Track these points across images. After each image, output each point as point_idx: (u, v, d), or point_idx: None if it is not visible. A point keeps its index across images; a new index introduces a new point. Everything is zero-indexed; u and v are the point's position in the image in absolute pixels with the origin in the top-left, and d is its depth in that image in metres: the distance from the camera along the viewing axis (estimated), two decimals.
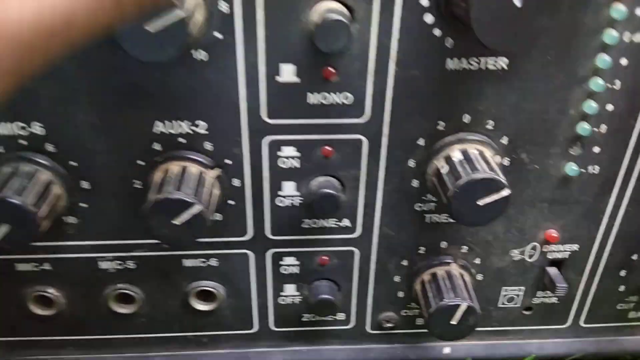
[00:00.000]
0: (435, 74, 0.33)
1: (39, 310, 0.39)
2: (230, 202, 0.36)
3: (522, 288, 0.42)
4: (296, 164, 0.35)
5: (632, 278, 0.43)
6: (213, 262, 0.39)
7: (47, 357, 0.42)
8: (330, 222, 0.38)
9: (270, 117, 0.33)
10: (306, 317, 0.42)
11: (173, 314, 0.41)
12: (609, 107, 0.34)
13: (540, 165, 0.36)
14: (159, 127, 0.33)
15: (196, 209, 0.31)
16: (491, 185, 0.32)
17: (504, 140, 0.35)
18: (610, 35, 0.32)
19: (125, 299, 0.39)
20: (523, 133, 0.35)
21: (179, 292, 0.40)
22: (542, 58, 0.33)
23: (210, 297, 0.40)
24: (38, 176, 0.32)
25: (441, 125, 0.34)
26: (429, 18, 0.31)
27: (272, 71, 0.32)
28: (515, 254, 0.40)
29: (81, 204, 0.35)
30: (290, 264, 0.39)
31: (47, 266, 0.37)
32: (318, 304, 0.40)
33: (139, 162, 0.34)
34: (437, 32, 0.31)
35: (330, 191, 0.35)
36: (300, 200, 0.36)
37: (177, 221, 0.31)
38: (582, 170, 0.37)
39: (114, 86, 0.32)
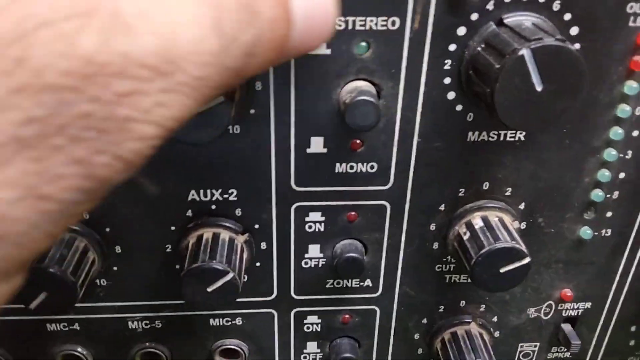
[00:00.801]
0: (457, 145, 0.34)
1: None
2: (257, 263, 0.37)
3: (537, 344, 0.43)
4: (322, 228, 0.36)
5: None
6: (238, 321, 0.39)
7: None
8: (353, 282, 0.39)
9: (298, 185, 0.35)
10: None
11: None
12: (622, 175, 0.36)
13: (555, 228, 0.38)
14: (193, 195, 0.34)
15: (229, 276, 0.32)
16: (513, 254, 0.33)
17: (522, 206, 0.37)
18: (623, 110, 0.34)
19: (152, 357, 0.40)
20: (539, 199, 0.37)
21: (204, 350, 0.40)
22: (559, 131, 0.34)
23: (235, 354, 0.40)
24: (76, 244, 0.33)
25: (462, 192, 0.36)
26: (451, 95, 0.33)
27: (302, 143, 0.33)
28: (532, 312, 0.41)
29: (113, 267, 0.36)
30: (313, 322, 0.40)
31: (76, 326, 0.38)
32: None
33: (171, 227, 0.35)
34: (458, 107, 0.33)
35: (355, 255, 0.36)
36: (325, 261, 0.38)
37: (211, 288, 0.32)
38: (596, 233, 0.38)
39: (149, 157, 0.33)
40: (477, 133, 0.34)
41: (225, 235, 0.34)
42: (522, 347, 0.43)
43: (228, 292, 0.32)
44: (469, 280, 0.39)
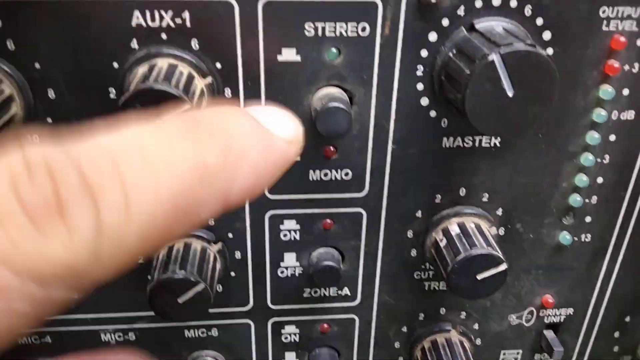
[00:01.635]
0: (432, 152, 0.34)
1: None
2: (232, 273, 0.37)
3: (520, 351, 0.43)
4: (297, 236, 0.36)
5: (625, 339, 0.43)
6: (214, 332, 0.39)
7: None
8: (331, 291, 0.38)
9: (272, 192, 0.34)
10: None
11: None
12: (599, 180, 0.36)
13: (534, 234, 0.37)
14: None
15: (200, 287, 0.31)
16: (489, 261, 0.33)
17: (499, 212, 0.36)
18: (599, 114, 0.33)
19: None
20: (517, 205, 0.36)
21: None
22: (534, 136, 0.34)
23: None
24: None
25: (438, 198, 0.35)
26: (424, 101, 0.32)
27: None
28: (513, 318, 0.41)
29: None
30: (291, 332, 0.40)
31: (48, 339, 0.37)
32: None
33: None
34: (432, 113, 0.33)
35: (331, 263, 0.36)
36: (301, 270, 0.37)
37: (182, 299, 0.31)
38: (575, 238, 0.38)
39: None
40: (452, 139, 0.34)
41: (197, 244, 0.34)
42: (504, 354, 0.43)
43: (200, 302, 0.32)
44: (448, 288, 0.39)
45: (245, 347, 0.40)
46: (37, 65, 0.29)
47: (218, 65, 0.30)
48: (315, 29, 0.29)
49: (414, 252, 0.37)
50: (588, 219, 0.37)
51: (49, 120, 0.30)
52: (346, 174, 0.34)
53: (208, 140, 0.19)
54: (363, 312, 0.39)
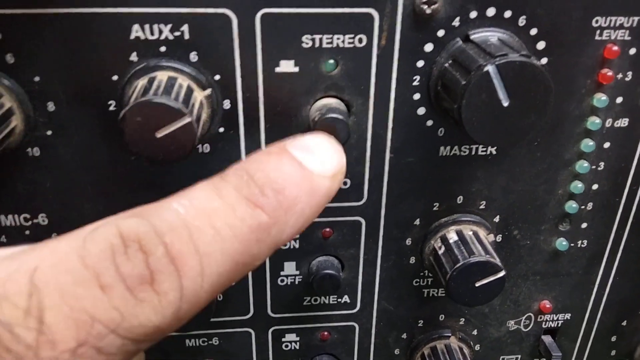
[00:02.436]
0: (429, 160, 0.34)
1: None
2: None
3: (519, 357, 0.43)
4: (296, 245, 0.36)
5: (622, 343, 0.44)
6: (215, 341, 0.39)
7: None
8: (331, 299, 0.39)
9: None
10: None
11: None
12: (595, 186, 0.36)
13: (531, 241, 0.38)
14: None
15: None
16: (487, 268, 0.33)
17: (496, 219, 0.37)
18: (594, 122, 0.34)
19: None
20: (514, 212, 0.37)
21: None
22: (530, 143, 0.34)
23: None
24: None
25: (436, 206, 0.36)
26: (421, 110, 0.33)
27: None
28: (511, 324, 0.41)
29: None
30: (291, 340, 0.40)
31: None
32: None
33: None
34: (429, 122, 0.33)
35: (331, 271, 0.36)
36: (301, 279, 0.37)
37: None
38: (572, 244, 0.38)
39: (119, 177, 0.33)
40: (448, 148, 0.34)
41: None
42: (503, 359, 0.43)
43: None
44: (446, 295, 0.39)
45: (245, 355, 0.40)
46: (36, 79, 0.29)
47: (217, 77, 0.30)
48: (313, 40, 0.30)
49: (412, 260, 0.38)
50: (584, 225, 0.37)
51: (49, 133, 0.31)
52: (345, 183, 0.34)
53: (260, 198, 0.22)
54: (363, 319, 0.40)
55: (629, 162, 0.35)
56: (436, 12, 0.30)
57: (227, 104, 0.31)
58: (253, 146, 0.32)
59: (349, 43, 0.30)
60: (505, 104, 0.28)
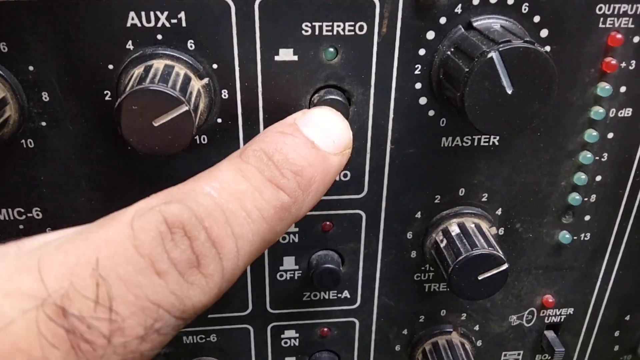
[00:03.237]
0: (431, 151, 0.34)
1: None
2: None
3: (521, 352, 0.42)
4: (296, 239, 0.35)
5: (625, 338, 0.43)
6: (213, 337, 0.38)
7: None
8: (331, 294, 0.38)
9: None
10: None
11: None
12: (598, 178, 0.36)
13: (534, 234, 0.37)
14: None
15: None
16: (490, 261, 0.32)
17: (499, 212, 0.36)
18: (597, 112, 0.33)
19: None
20: (516, 204, 0.36)
21: None
22: (533, 134, 0.34)
23: None
24: None
25: (437, 199, 0.35)
26: (422, 100, 0.32)
27: None
28: (514, 319, 0.41)
29: None
30: (290, 336, 0.39)
31: None
32: None
33: None
34: (431, 112, 0.32)
35: (331, 266, 0.35)
36: (300, 273, 0.37)
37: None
38: (575, 237, 0.38)
39: (115, 170, 0.32)
40: (450, 138, 0.33)
41: None
42: (505, 355, 0.42)
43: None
44: (449, 290, 0.39)
45: (244, 352, 0.39)
46: (30, 68, 0.29)
47: (215, 66, 0.29)
48: (313, 28, 0.29)
49: (413, 254, 0.37)
50: (587, 217, 0.37)
51: (44, 123, 0.30)
52: (345, 175, 0.34)
53: (282, 180, 0.24)
54: (363, 315, 0.39)
55: (632, 153, 0.35)
56: (438, 0, 0.29)
57: (225, 94, 0.30)
58: (252, 137, 0.31)
59: (349, 31, 0.30)
60: (509, 91, 0.28)
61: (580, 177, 0.35)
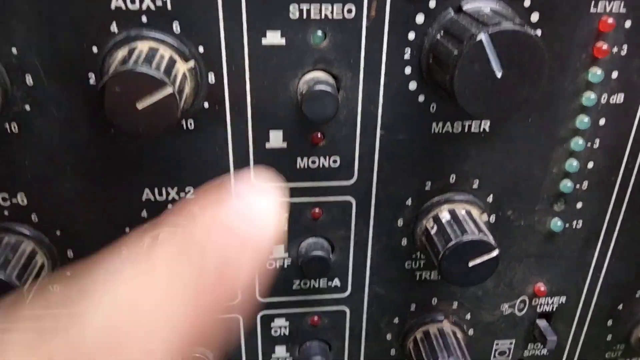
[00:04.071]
0: (421, 137, 0.33)
1: None
2: None
3: (513, 341, 0.42)
4: (284, 226, 0.35)
5: (618, 327, 0.43)
6: None
7: None
8: (321, 282, 0.38)
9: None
10: None
11: None
12: (590, 164, 0.35)
13: (525, 221, 0.37)
14: (147, 194, 0.33)
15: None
16: (481, 247, 0.32)
17: (490, 199, 0.36)
18: (589, 98, 0.33)
19: None
20: (508, 191, 0.36)
21: None
22: (524, 120, 0.33)
23: None
24: (22, 248, 0.31)
25: (428, 185, 0.35)
26: (412, 85, 0.32)
27: (261, 137, 0.32)
28: (505, 308, 0.40)
29: (66, 273, 0.34)
30: (280, 325, 0.39)
31: None
32: None
33: (126, 229, 0.33)
34: (421, 98, 0.32)
35: (320, 254, 0.35)
36: (290, 261, 0.36)
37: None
38: (567, 225, 0.37)
39: (100, 155, 0.31)
40: (441, 124, 0.33)
41: None
42: (497, 344, 0.42)
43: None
44: (440, 277, 0.38)
45: (233, 342, 0.39)
46: (14, 51, 0.28)
47: (201, 49, 0.29)
48: (300, 11, 0.29)
49: (404, 242, 0.37)
50: (579, 205, 0.37)
51: (28, 107, 0.30)
52: (334, 161, 0.33)
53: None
54: (354, 303, 0.39)
55: (624, 139, 0.35)
56: None
57: (211, 78, 0.30)
58: (239, 122, 0.31)
59: (338, 14, 0.29)
60: (499, 74, 0.27)
61: (572, 164, 0.35)
